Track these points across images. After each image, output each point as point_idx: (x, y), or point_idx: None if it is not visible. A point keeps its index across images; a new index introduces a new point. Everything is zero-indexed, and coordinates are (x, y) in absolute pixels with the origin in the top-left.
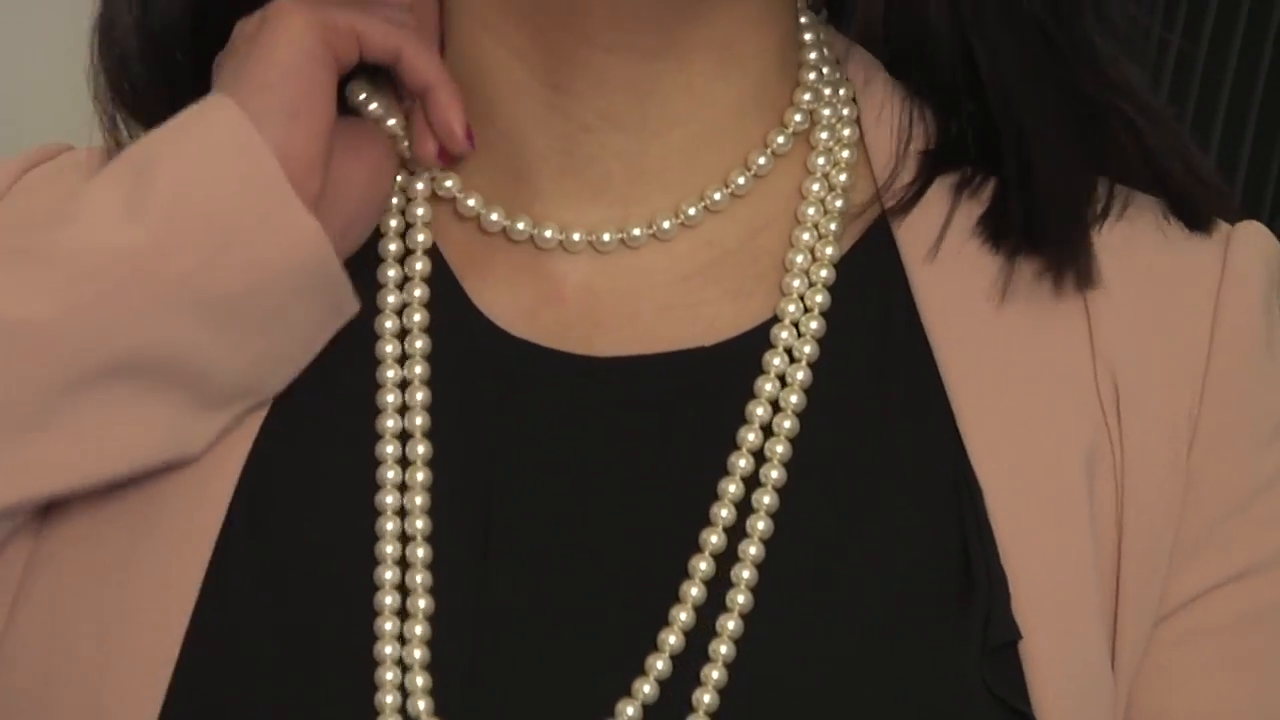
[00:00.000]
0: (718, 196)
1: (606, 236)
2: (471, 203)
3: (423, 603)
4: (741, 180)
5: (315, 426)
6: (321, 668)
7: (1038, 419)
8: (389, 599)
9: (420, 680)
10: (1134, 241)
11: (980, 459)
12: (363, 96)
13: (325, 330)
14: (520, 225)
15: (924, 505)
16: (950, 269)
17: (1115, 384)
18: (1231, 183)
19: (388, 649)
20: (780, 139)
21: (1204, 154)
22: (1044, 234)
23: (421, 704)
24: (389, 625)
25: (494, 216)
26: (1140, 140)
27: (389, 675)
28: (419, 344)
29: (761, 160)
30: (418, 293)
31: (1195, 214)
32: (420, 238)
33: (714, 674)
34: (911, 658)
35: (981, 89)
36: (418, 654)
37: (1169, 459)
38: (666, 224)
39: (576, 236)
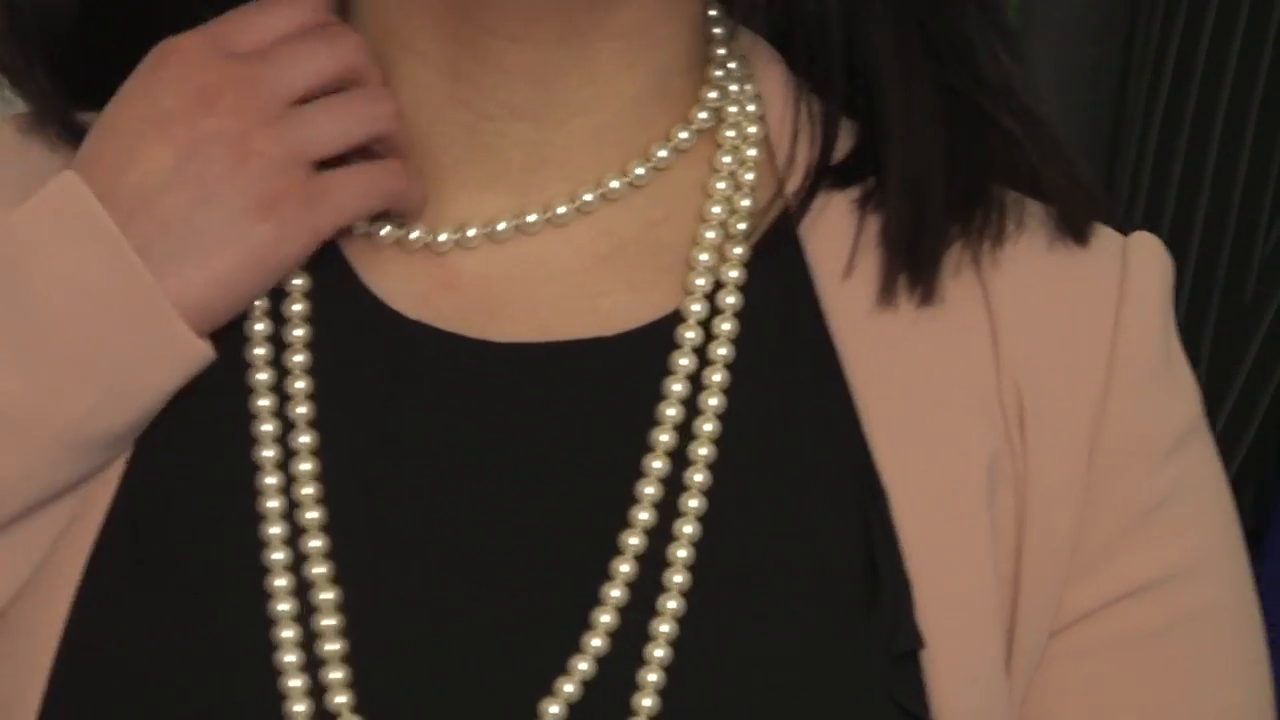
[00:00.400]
0: (615, 185)
1: (502, 225)
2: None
3: (328, 595)
4: (641, 171)
5: (192, 434)
6: (216, 678)
7: (942, 427)
8: (284, 605)
9: (337, 674)
10: (1032, 253)
11: (885, 465)
12: None
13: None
14: (414, 235)
15: (832, 512)
16: (857, 276)
17: (1019, 396)
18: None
19: (289, 657)
20: (684, 134)
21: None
22: (906, 244)
23: (341, 699)
24: (288, 633)
25: (383, 232)
26: (1018, 146)
27: (295, 683)
28: (298, 333)
29: (663, 153)
30: (297, 282)
31: (1081, 223)
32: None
33: (650, 677)
34: (819, 667)
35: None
36: (331, 647)
37: (1069, 473)
38: (563, 209)
39: (472, 232)
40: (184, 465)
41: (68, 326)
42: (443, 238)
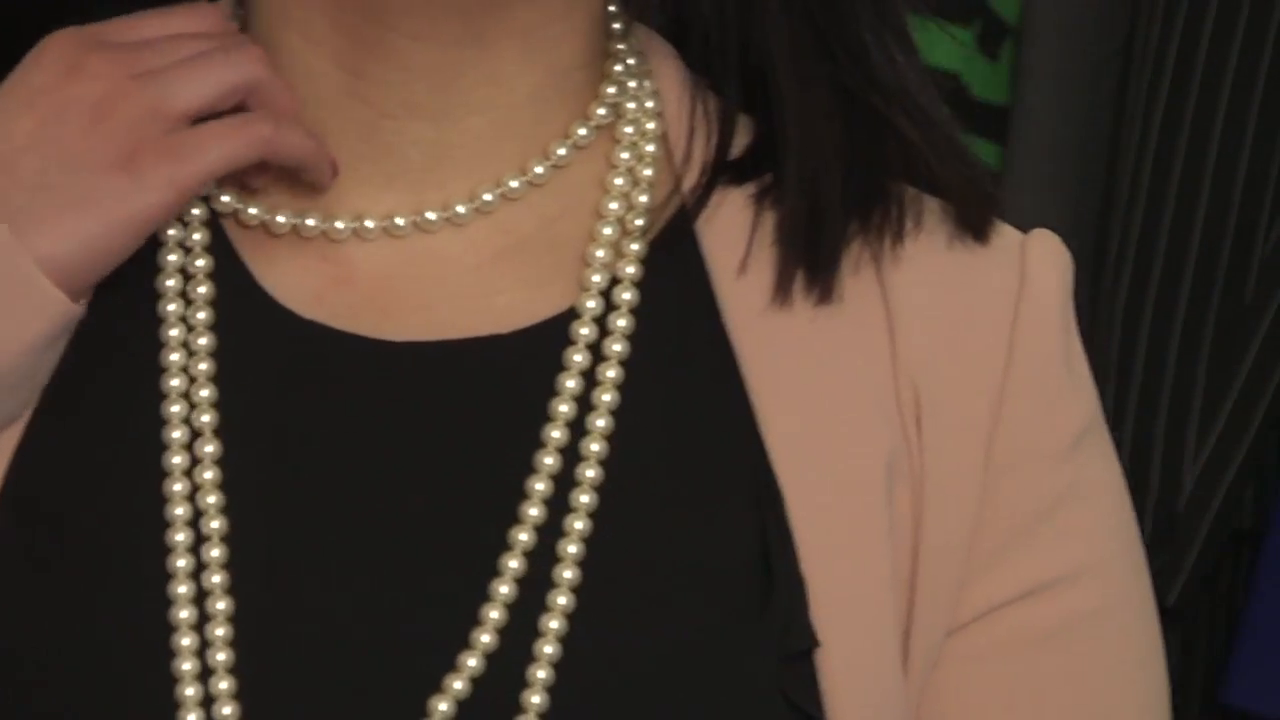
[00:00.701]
0: (515, 184)
1: (400, 220)
2: (254, 211)
3: (222, 604)
4: (540, 169)
5: (94, 437)
6: (111, 682)
7: (839, 426)
8: (184, 613)
9: (224, 684)
10: (932, 252)
11: (781, 465)
12: None
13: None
14: (310, 222)
15: (726, 510)
16: (753, 274)
17: (916, 394)
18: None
19: (185, 665)
20: (582, 130)
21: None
22: (804, 242)
23: (227, 710)
24: (186, 641)
25: (280, 219)
26: (914, 147)
27: (189, 691)
28: (203, 341)
29: (562, 151)
30: (202, 290)
31: (979, 221)
32: (197, 236)
33: (540, 674)
34: (711, 665)
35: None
36: (220, 657)
37: (967, 471)
38: (462, 209)
39: (370, 224)
40: (84, 459)
41: None
42: (339, 225)
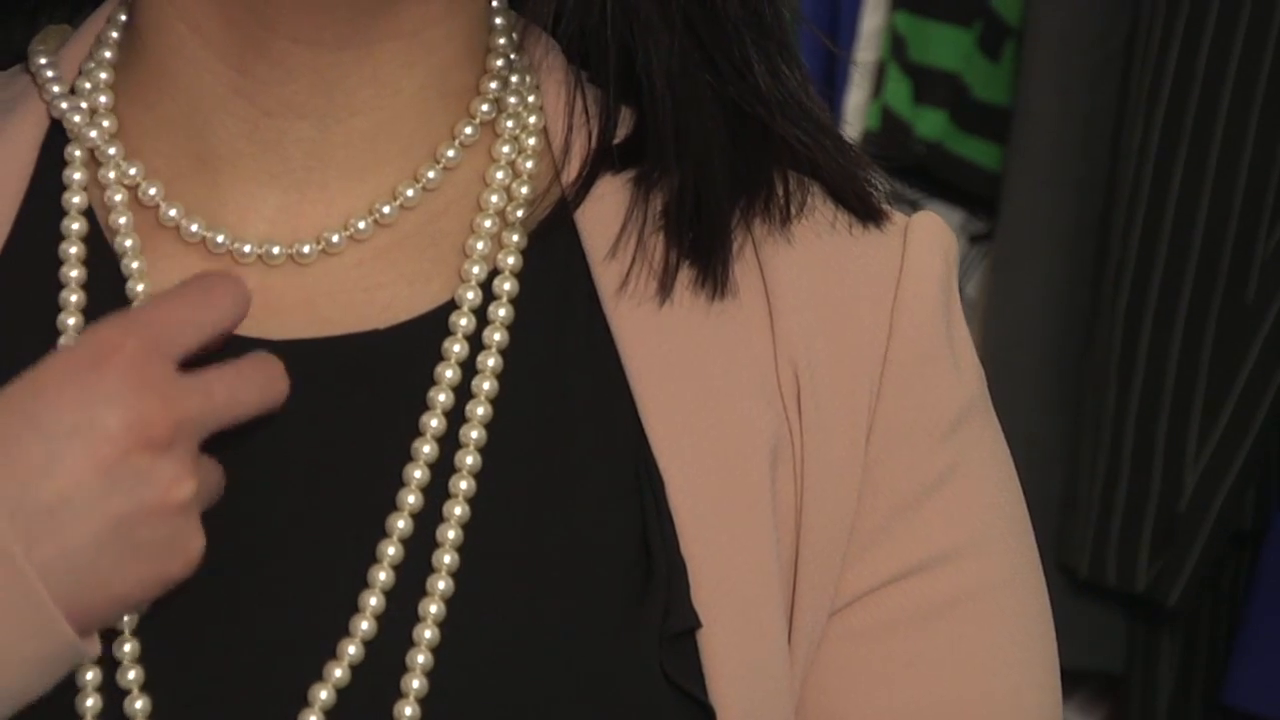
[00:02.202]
0: (410, 193)
1: (276, 250)
2: (153, 191)
3: None
4: (431, 174)
5: None
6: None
7: (720, 411)
8: None
9: (132, 674)
10: (813, 235)
11: (661, 450)
12: (43, 61)
13: None
14: (194, 227)
15: (607, 496)
16: (630, 262)
17: (796, 377)
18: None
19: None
20: (468, 129)
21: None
22: (691, 236)
23: (132, 674)
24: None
25: (172, 213)
26: (801, 145)
27: (89, 675)
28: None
29: (450, 153)
30: (74, 299)
31: (861, 204)
32: (75, 226)
33: (419, 658)
34: (591, 647)
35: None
36: (127, 648)
37: (847, 452)
38: (362, 224)
39: (248, 249)
40: None
41: None
42: (220, 239)
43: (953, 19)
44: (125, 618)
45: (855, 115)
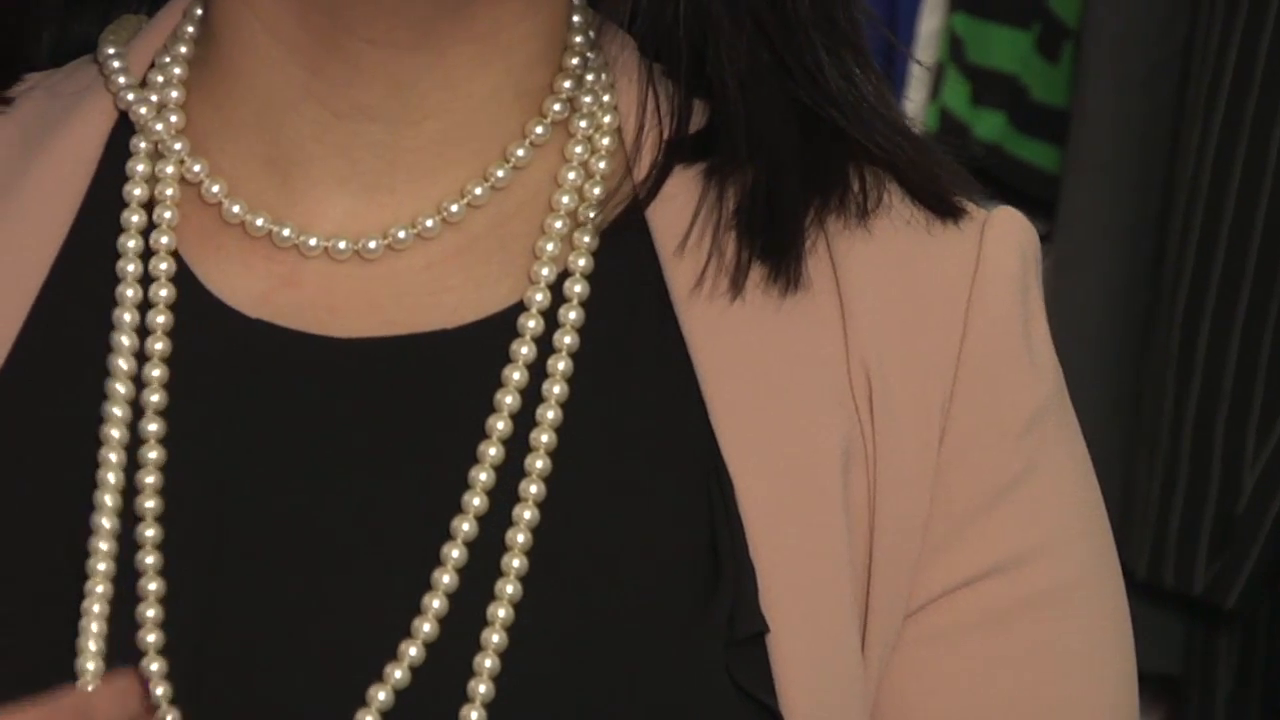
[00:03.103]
0: (479, 191)
1: (343, 245)
2: (216, 189)
3: (154, 585)
4: (501, 174)
5: (38, 406)
6: (19, 654)
7: (791, 412)
8: (100, 587)
9: (155, 666)
10: (888, 232)
11: (731, 451)
12: (111, 52)
13: None
14: (259, 221)
15: (675, 498)
16: (703, 260)
17: (868, 377)
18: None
19: (93, 626)
20: (539, 129)
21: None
22: (764, 233)
23: (160, 690)
24: (96, 608)
25: (235, 209)
26: (873, 151)
27: (90, 665)
28: (159, 346)
29: (520, 152)
30: (129, 293)
31: (938, 200)
32: (165, 240)
33: (486, 662)
34: (657, 651)
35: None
36: (151, 638)
37: (920, 453)
38: (430, 223)
39: (314, 242)
40: (25, 435)
41: None
42: (285, 233)
43: (1011, 20)
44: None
45: (913, 117)
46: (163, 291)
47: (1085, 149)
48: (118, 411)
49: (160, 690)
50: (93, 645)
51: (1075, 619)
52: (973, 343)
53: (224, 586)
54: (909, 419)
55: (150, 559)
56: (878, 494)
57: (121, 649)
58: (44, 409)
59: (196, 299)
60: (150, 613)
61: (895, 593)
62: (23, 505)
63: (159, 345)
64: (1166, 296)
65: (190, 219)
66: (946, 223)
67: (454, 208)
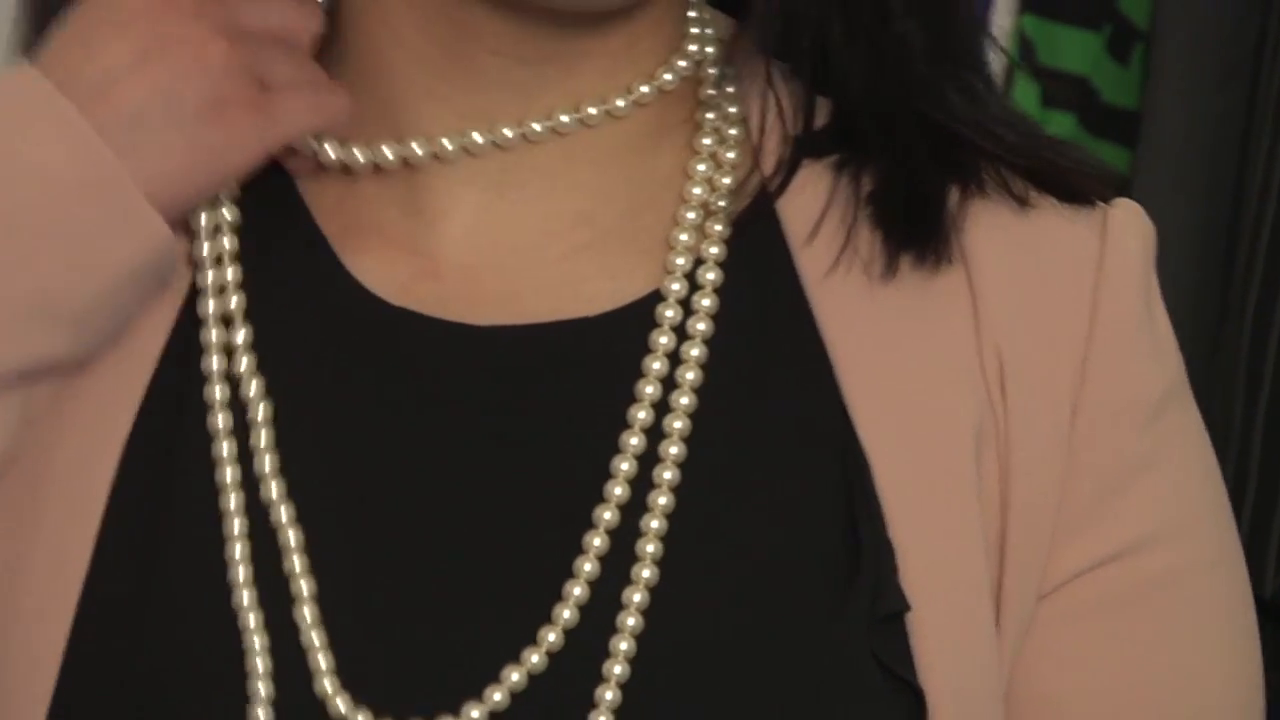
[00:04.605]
0: (621, 104)
1: (479, 137)
2: (331, 151)
3: (305, 586)
4: (645, 89)
5: (171, 420)
6: (190, 663)
7: (924, 394)
8: (246, 594)
9: (324, 661)
10: (1014, 217)
11: (867, 432)
12: None
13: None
14: (389, 153)
15: (813, 478)
16: (834, 246)
17: (1000, 360)
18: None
19: (258, 640)
20: (682, 61)
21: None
22: (896, 220)
23: (328, 683)
24: (253, 618)
25: (356, 151)
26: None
27: (260, 666)
28: (240, 337)
29: (666, 74)
30: (230, 274)
31: (1063, 188)
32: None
33: (622, 645)
34: (800, 630)
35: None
36: (315, 637)
37: (1051, 434)
38: (566, 118)
39: (448, 143)
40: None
41: (30, 202)
42: (419, 149)
43: (1081, 22)
44: (307, 611)
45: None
46: (229, 273)
47: (1155, 151)
48: (225, 425)
49: (328, 684)
50: (258, 642)
51: (1206, 600)
52: (1102, 326)
53: (371, 569)
54: (1040, 402)
55: (297, 559)
56: (1010, 476)
57: (284, 636)
58: (189, 393)
59: (338, 284)
60: (305, 611)
61: (1030, 573)
62: (174, 484)
63: (240, 336)
64: (1236, 299)
65: (323, 207)
66: (1071, 210)
67: (592, 110)
